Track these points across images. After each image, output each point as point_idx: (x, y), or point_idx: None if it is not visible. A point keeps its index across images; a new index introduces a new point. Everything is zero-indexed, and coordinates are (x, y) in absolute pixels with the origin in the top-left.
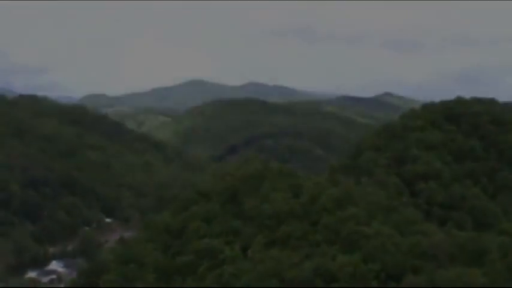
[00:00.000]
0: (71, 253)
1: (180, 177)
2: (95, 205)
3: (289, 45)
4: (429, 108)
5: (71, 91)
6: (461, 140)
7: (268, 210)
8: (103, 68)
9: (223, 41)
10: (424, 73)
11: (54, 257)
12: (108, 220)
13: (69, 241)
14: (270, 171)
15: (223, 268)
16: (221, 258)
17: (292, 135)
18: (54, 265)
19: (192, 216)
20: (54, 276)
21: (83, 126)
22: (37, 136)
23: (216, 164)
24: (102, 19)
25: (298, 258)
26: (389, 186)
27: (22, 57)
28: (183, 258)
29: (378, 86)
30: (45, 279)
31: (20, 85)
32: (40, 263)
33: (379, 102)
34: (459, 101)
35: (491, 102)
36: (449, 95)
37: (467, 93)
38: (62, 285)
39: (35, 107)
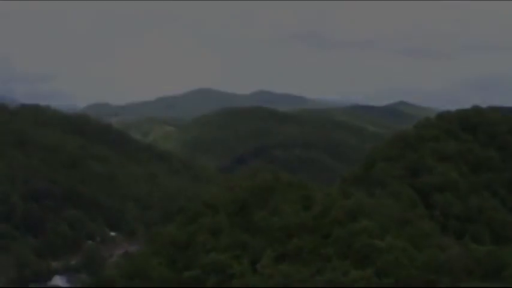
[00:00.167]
0: (74, 268)
1: (186, 188)
2: (99, 218)
3: (298, 51)
4: (445, 117)
5: (74, 100)
6: (478, 150)
7: (277, 223)
8: (107, 76)
9: (231, 48)
10: (440, 81)
11: (57, 272)
12: (112, 233)
13: (72, 255)
14: (280, 183)
15: (231, 283)
16: (229, 273)
17: (302, 145)
18: (57, 280)
19: (198, 229)
20: None
21: (87, 137)
22: (39, 146)
23: (224, 175)
24: (106, 26)
25: (309, 273)
26: (404, 198)
27: (24, 65)
28: (190, 273)
29: (391, 94)
30: None
31: (22, 93)
32: (42, 278)
33: (392, 111)
34: (476, 110)
35: (510, 111)
36: (466, 103)
37: (485, 102)
38: None
39: (37, 116)
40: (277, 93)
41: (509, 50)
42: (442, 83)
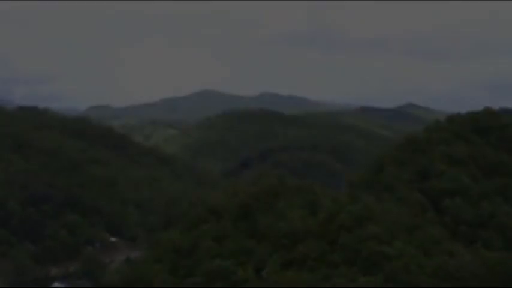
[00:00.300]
0: (73, 274)
1: (189, 193)
2: (99, 223)
3: (304, 52)
4: (455, 119)
5: (74, 102)
6: (489, 154)
7: (283, 228)
8: (108, 78)
9: (235, 49)
10: (450, 82)
11: (56, 278)
12: (113, 239)
13: (72, 262)
14: (286, 187)
15: None
16: (234, 280)
17: (308, 149)
18: (56, 287)
19: (202, 235)
20: None
21: (87, 140)
22: (38, 150)
23: (228, 179)
24: (107, 26)
25: (315, 280)
26: (413, 203)
27: (23, 66)
28: (193, 280)
29: (400, 96)
30: None
31: (21, 95)
32: (41, 284)
33: (401, 113)
34: (488, 112)
35: None
36: (477, 105)
37: (497, 104)
38: None
39: (36, 119)
40: (283, 95)
41: None
42: (452, 84)
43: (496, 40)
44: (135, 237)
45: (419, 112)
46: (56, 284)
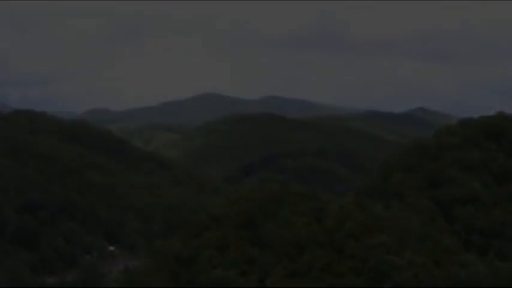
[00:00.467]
0: (70, 284)
1: (190, 200)
2: (97, 231)
3: (310, 54)
4: (467, 124)
5: (72, 105)
6: (502, 160)
7: (287, 236)
8: (106, 80)
9: (237, 51)
10: (462, 86)
11: None
12: (111, 247)
13: (69, 271)
14: (290, 194)
15: None
16: None
17: (314, 154)
18: None
19: (203, 243)
20: None
21: (85, 144)
22: (34, 155)
23: (230, 185)
24: (105, 28)
25: None
26: (423, 211)
27: (19, 68)
28: None
29: (410, 100)
30: None
31: (16, 98)
32: None
33: (410, 117)
34: (500, 117)
35: None
36: (489, 110)
37: (510, 108)
38: None
39: (32, 123)
40: (287, 99)
41: None
42: (464, 88)
43: (509, 42)
44: (134, 246)
45: (429, 116)
46: None
